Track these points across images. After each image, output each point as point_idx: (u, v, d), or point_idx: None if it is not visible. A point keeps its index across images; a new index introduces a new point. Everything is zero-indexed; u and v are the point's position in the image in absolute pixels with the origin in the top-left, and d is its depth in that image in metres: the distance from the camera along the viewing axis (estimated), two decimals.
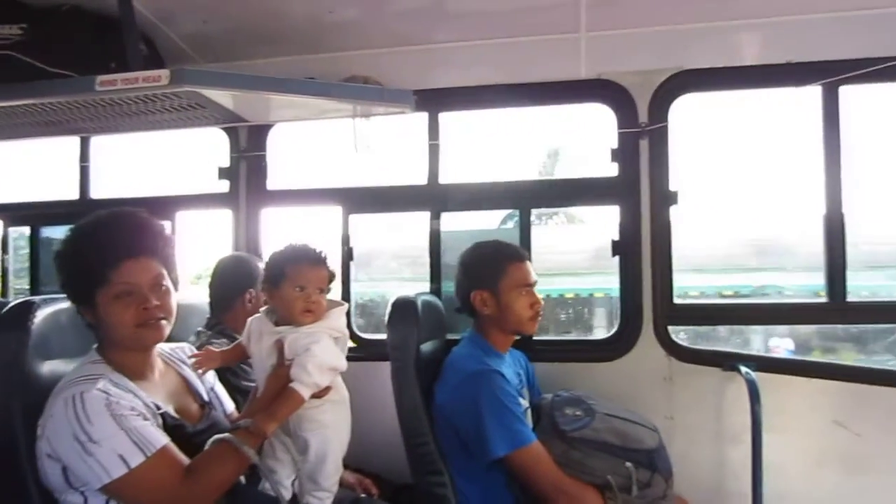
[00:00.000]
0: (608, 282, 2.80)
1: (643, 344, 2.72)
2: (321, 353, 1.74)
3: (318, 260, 1.85)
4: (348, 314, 2.82)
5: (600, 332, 9.49)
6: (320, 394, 1.75)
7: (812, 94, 2.66)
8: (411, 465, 2.26)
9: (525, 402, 2.32)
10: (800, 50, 2.64)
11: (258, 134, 3.06)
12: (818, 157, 2.67)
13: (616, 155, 2.75)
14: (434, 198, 2.91)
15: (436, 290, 2.90)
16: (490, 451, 2.11)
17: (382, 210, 3.06)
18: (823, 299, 2.67)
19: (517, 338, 2.46)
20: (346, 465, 1.92)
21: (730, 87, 2.78)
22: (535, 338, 2.75)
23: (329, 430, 1.79)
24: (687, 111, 2.79)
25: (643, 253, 2.71)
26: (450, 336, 2.64)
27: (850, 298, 2.65)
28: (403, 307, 2.36)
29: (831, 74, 2.59)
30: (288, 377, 1.71)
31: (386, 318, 2.34)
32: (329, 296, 1.87)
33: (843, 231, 2.63)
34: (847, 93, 2.64)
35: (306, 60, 2.90)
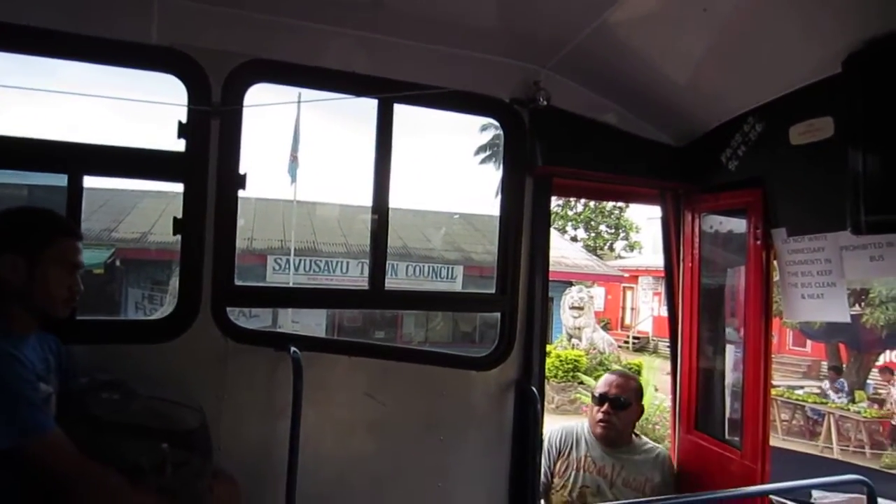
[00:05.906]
0: None
1: (200, 325, 2.69)
2: None
3: None
4: None
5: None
6: None
7: (372, 106, 2.99)
8: None
9: (49, 388, 2.13)
10: (365, 64, 2.93)
11: None
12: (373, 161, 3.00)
13: (184, 131, 2.64)
14: None
15: None
16: None
17: None
18: (366, 286, 3.02)
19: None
20: None
21: (302, 85, 2.94)
22: (79, 317, 2.49)
23: None
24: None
25: (206, 234, 2.68)
26: None
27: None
28: None
29: (388, 91, 2.94)
30: None
31: None
32: None
33: (387, 227, 3.01)
34: (400, 109, 3.02)
35: None
